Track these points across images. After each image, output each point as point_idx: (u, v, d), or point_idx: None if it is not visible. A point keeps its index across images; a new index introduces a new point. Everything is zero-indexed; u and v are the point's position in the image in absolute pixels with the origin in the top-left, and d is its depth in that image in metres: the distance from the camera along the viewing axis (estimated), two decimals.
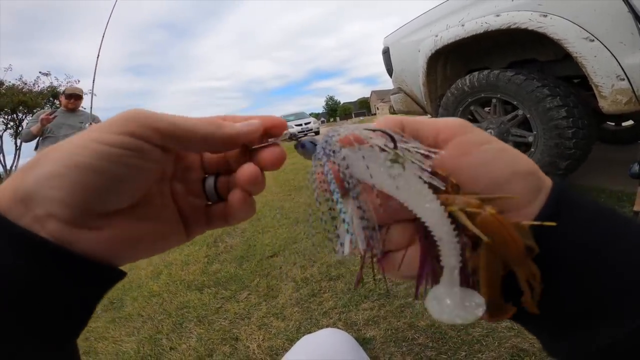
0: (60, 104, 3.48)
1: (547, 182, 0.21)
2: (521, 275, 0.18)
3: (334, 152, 0.20)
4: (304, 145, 0.24)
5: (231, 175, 0.25)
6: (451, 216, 0.19)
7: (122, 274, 0.22)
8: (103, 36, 3.49)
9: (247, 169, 0.24)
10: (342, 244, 0.20)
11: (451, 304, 0.19)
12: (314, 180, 0.22)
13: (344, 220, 0.20)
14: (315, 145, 0.23)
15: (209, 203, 0.27)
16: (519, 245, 0.18)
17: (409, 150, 0.19)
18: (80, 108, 3.54)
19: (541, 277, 0.18)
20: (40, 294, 0.18)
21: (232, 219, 0.26)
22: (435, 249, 0.20)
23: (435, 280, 0.21)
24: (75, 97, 3.42)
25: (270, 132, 0.25)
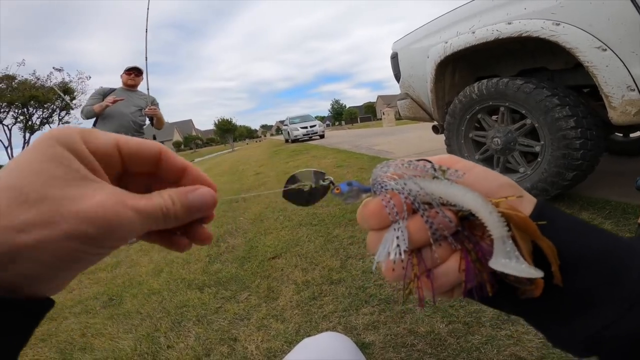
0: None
1: (527, 193, 0.26)
2: (545, 248, 0.22)
3: (384, 186, 0.25)
4: (341, 189, 0.28)
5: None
6: (466, 218, 0.24)
7: (52, 304, 0.23)
8: (146, 31, 3.48)
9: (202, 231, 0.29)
10: (389, 252, 0.24)
11: (517, 263, 0.22)
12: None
13: (397, 237, 0.24)
14: (351, 185, 0.27)
15: None
16: (533, 225, 0.22)
17: (443, 170, 0.25)
18: (137, 89, 3.47)
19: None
20: None
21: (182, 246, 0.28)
22: (471, 253, 0.24)
23: (480, 278, 0.24)
24: (135, 70, 3.35)
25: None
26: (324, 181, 0.29)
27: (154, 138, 3.65)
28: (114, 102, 3.12)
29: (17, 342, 0.21)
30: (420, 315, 1.25)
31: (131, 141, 0.24)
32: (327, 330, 1.27)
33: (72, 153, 0.21)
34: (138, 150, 0.25)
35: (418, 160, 0.26)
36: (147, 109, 3.35)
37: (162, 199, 0.23)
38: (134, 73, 3.38)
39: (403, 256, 0.23)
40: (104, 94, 3.30)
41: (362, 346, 1.16)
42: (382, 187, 0.25)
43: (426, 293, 0.25)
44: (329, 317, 1.37)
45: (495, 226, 0.22)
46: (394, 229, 0.24)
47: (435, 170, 0.25)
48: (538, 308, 0.24)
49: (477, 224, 0.24)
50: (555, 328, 0.24)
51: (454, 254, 0.24)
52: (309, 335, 0.61)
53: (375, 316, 1.31)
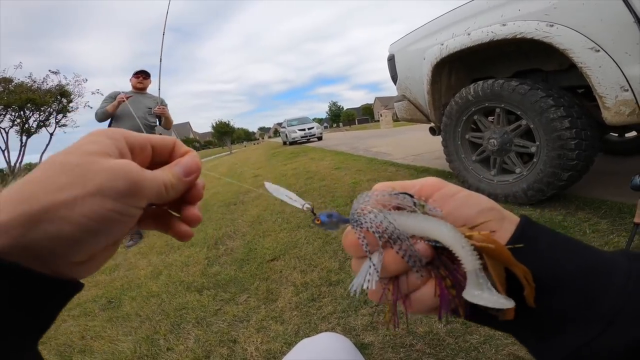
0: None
1: (507, 213, 0.27)
2: (519, 273, 0.23)
3: (360, 221, 0.27)
4: (322, 220, 0.29)
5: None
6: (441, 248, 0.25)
7: (81, 286, 0.25)
8: (163, 34, 3.50)
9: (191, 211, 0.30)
10: (365, 282, 0.26)
11: (489, 294, 0.23)
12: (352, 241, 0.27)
13: (370, 270, 0.26)
14: (332, 216, 0.29)
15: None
16: (506, 252, 0.23)
17: (422, 205, 0.26)
18: (147, 92, 3.57)
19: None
20: (8, 303, 0.20)
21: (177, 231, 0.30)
22: (446, 280, 0.25)
23: (453, 304, 0.25)
24: (143, 74, 3.46)
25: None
26: (305, 209, 0.30)
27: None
28: (126, 98, 3.19)
29: (39, 323, 0.22)
30: (419, 316, 1.26)
31: (156, 137, 0.29)
32: (326, 331, 1.28)
33: (112, 141, 0.25)
34: (162, 142, 0.29)
35: (399, 193, 0.27)
36: (155, 108, 3.41)
37: (163, 171, 0.27)
38: (142, 76, 3.47)
39: (374, 286, 0.25)
40: (116, 97, 3.36)
41: (361, 347, 1.17)
42: (358, 222, 0.27)
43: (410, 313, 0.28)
44: (328, 319, 1.38)
45: (467, 260, 0.24)
46: (369, 261, 0.26)
47: (415, 204, 0.26)
48: (518, 326, 0.26)
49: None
50: (536, 345, 0.25)
51: (430, 280, 0.26)
52: (308, 337, 0.62)
53: (373, 317, 1.31)
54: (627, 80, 1.55)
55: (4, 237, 0.20)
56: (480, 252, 0.24)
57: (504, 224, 0.26)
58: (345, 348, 0.56)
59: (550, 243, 0.25)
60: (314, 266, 1.85)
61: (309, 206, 0.30)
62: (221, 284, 1.90)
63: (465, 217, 0.26)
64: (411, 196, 0.27)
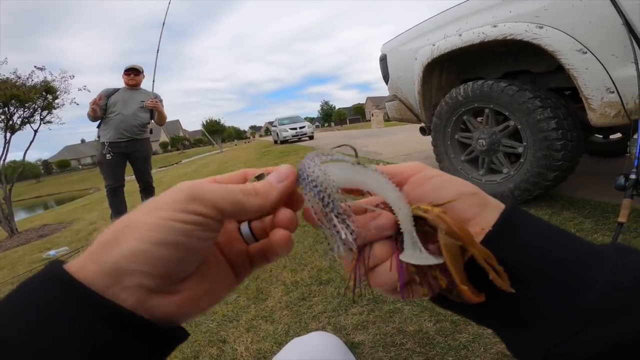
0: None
1: (491, 200, 0.26)
2: (477, 255, 0.22)
3: (310, 178, 0.26)
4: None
5: (261, 219, 0.29)
6: (414, 216, 0.25)
7: (186, 335, 0.26)
8: (161, 34, 3.51)
9: (285, 213, 0.28)
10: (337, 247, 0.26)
11: (419, 254, 0.24)
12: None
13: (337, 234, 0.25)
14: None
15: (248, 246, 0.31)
16: (463, 231, 0.23)
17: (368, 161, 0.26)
18: (141, 87, 3.53)
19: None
20: (125, 356, 0.21)
21: (273, 255, 0.30)
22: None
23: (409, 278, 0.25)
24: (134, 71, 3.41)
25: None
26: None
27: (151, 132, 3.60)
28: (96, 102, 3.14)
29: None
30: (409, 315, 1.26)
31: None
32: (317, 330, 1.27)
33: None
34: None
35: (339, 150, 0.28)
36: (147, 101, 3.36)
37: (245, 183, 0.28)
38: (133, 73, 3.41)
39: (343, 253, 0.26)
40: (109, 94, 3.32)
41: (352, 346, 1.17)
42: (302, 178, 0.27)
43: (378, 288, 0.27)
44: (319, 318, 1.38)
45: (403, 221, 0.25)
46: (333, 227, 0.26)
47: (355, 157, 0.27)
48: (494, 319, 0.25)
49: (425, 230, 0.25)
50: (513, 339, 0.24)
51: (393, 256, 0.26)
52: (299, 336, 0.61)
53: (364, 316, 1.32)
54: (613, 82, 1.58)
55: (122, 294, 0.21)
56: (434, 227, 0.24)
57: (487, 209, 0.25)
58: (336, 347, 0.56)
59: (534, 232, 0.24)
60: (304, 265, 1.85)
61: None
62: None
63: (441, 199, 0.26)
64: (355, 150, 0.28)
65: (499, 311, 0.24)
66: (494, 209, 0.25)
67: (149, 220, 0.22)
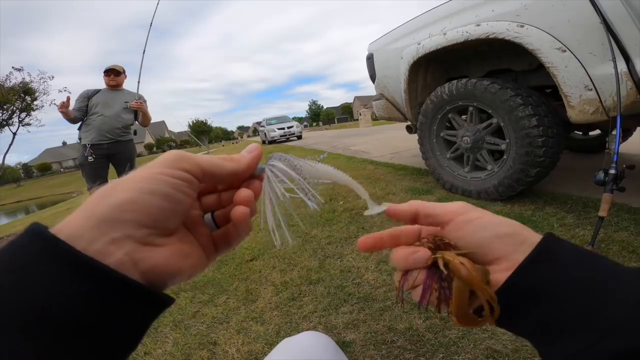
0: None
1: (531, 237, 0.29)
2: (480, 296, 0.27)
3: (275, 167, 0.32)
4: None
5: (224, 209, 0.33)
6: (435, 262, 0.30)
7: (171, 300, 0.26)
8: (148, 34, 3.46)
9: (245, 192, 0.31)
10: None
11: (372, 209, 0.36)
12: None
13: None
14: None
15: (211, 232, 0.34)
16: (477, 278, 0.28)
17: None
18: (123, 88, 3.44)
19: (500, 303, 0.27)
20: (104, 315, 0.21)
21: (235, 238, 0.33)
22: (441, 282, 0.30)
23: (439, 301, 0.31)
24: (113, 72, 3.31)
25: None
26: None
27: (135, 133, 3.53)
28: (62, 105, 3.00)
29: (130, 340, 0.23)
30: (399, 312, 1.28)
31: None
32: (307, 330, 1.27)
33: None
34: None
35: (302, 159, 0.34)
36: (132, 102, 3.29)
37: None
38: (112, 74, 3.32)
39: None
40: (89, 96, 3.24)
41: (343, 345, 1.18)
42: (270, 167, 0.32)
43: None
44: (309, 317, 1.38)
45: (362, 193, 0.36)
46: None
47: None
48: (526, 334, 0.28)
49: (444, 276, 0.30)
50: (543, 349, 0.27)
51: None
52: (290, 336, 0.61)
53: (354, 315, 1.32)
54: (591, 80, 1.63)
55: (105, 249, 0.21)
56: (453, 272, 0.28)
57: (522, 247, 0.28)
58: (327, 346, 0.56)
59: (566, 261, 0.26)
60: (293, 265, 1.85)
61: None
62: (199, 285, 1.86)
63: (478, 241, 0.30)
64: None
65: (522, 328, 0.28)
66: (529, 246, 0.28)
67: (141, 174, 0.25)
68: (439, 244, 0.32)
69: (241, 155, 0.32)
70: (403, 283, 0.33)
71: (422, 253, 0.31)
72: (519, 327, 0.28)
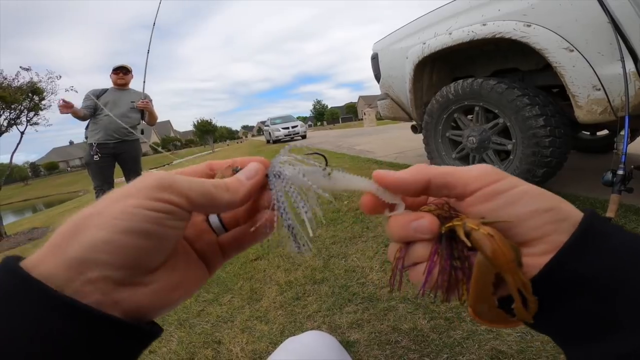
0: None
1: (572, 213, 0.24)
2: (510, 283, 0.21)
3: (280, 175, 0.28)
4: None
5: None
6: (452, 231, 0.24)
7: (160, 331, 0.24)
8: (151, 34, 3.44)
9: (267, 194, 0.28)
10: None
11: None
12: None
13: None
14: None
15: (218, 236, 0.31)
16: (508, 256, 0.21)
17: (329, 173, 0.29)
18: (129, 87, 3.47)
19: (538, 296, 0.22)
20: (89, 355, 0.19)
21: (251, 241, 0.31)
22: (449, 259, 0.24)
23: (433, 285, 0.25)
24: (123, 70, 3.35)
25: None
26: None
27: (142, 133, 3.55)
28: (64, 106, 3.04)
29: None
30: (403, 312, 1.27)
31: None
32: (311, 329, 1.27)
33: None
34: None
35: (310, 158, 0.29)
36: (138, 102, 3.32)
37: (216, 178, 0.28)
38: (122, 72, 3.36)
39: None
40: (97, 95, 3.27)
41: (347, 345, 1.17)
42: (277, 174, 0.28)
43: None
44: (313, 317, 1.38)
45: (364, 184, 0.29)
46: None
47: (324, 170, 0.28)
48: (562, 330, 0.24)
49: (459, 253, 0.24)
50: (574, 352, 0.23)
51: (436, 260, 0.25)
52: (294, 336, 0.61)
53: (359, 314, 1.32)
54: (600, 80, 1.61)
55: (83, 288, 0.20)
56: (479, 248, 0.22)
57: (563, 225, 0.23)
58: (331, 346, 0.56)
59: (614, 247, 0.22)
60: (297, 265, 1.85)
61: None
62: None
63: (515, 215, 0.23)
64: (325, 158, 0.30)
65: (562, 324, 0.23)
66: (571, 224, 0.23)
67: (116, 208, 0.21)
68: (449, 213, 0.26)
69: (239, 182, 0.27)
70: (400, 259, 0.27)
71: (428, 220, 0.25)
72: (550, 322, 0.24)
